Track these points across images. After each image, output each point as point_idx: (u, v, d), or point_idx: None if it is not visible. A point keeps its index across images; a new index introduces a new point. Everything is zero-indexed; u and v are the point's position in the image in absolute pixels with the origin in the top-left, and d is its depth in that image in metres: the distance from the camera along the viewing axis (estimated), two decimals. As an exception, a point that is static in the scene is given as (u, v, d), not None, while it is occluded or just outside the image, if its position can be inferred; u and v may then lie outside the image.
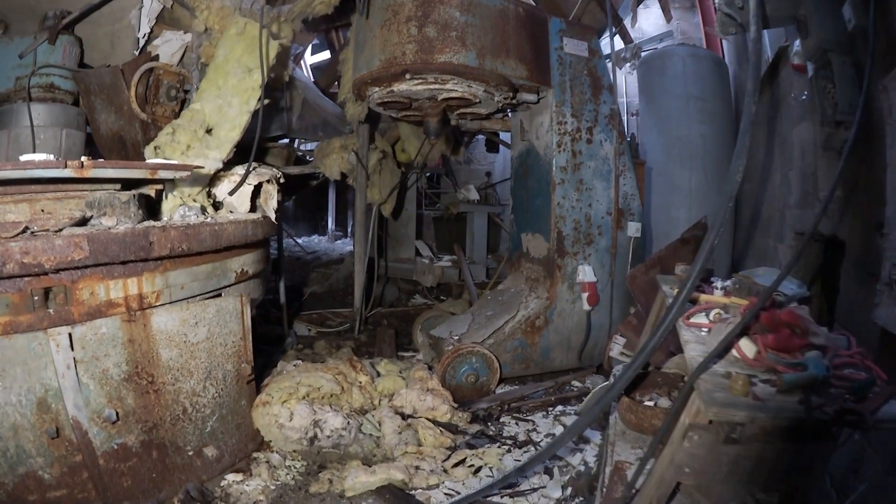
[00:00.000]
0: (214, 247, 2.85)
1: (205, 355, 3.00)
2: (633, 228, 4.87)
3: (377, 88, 3.89)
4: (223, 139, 3.59)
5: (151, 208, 3.20)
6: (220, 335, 3.05)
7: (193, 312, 2.88)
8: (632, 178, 4.92)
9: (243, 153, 3.79)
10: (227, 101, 3.81)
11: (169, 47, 4.78)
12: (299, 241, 13.85)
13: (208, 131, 3.71)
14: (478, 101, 4.00)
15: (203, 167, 3.23)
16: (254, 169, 3.62)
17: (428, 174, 9.09)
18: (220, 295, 3.13)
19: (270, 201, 3.51)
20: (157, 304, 2.78)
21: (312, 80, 7.15)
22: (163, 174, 2.74)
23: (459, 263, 7.21)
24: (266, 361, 4.96)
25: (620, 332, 4.51)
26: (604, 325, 4.81)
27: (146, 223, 2.70)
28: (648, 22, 11.19)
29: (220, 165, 3.44)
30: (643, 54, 8.67)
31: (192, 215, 2.99)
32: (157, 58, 4.48)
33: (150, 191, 3.01)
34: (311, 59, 11.69)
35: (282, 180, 3.83)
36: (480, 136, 8.90)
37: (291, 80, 5.31)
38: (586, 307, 4.66)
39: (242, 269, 3.27)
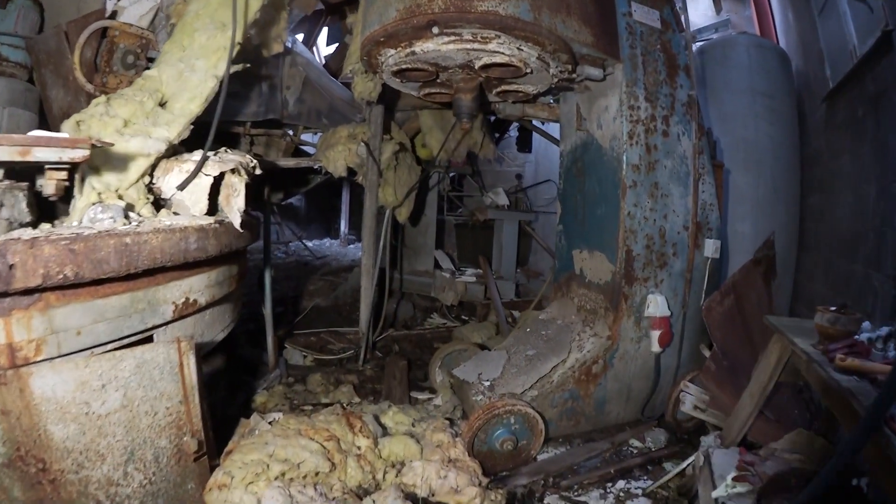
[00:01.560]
0: (127, 269, 1.84)
1: (121, 431, 2.00)
2: (711, 247, 3.81)
3: (393, 51, 2.85)
4: (178, 113, 2.61)
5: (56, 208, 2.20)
6: (146, 400, 2.04)
7: (98, 370, 1.87)
8: (711, 183, 3.87)
9: (222, 140, 2.80)
10: (191, 65, 2.82)
11: (138, 8, 3.82)
12: (309, 244, 12.90)
13: (162, 104, 2.72)
14: (528, 71, 2.95)
15: (113, 144, 2.22)
16: (216, 154, 2.62)
17: (451, 174, 8.04)
18: (149, 339, 2.12)
19: (234, 199, 2.50)
20: (39, 358, 1.78)
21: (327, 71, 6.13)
22: (41, 154, 1.74)
23: (485, 279, 6.16)
24: (247, 399, 3.98)
25: (695, 381, 3.47)
26: (671, 366, 3.76)
27: (6, 235, 1.69)
28: (697, 13, 10.22)
29: (163, 147, 2.44)
30: (698, 44, 7.58)
31: (107, 218, 1.98)
32: (113, 15, 3.51)
33: (52, 182, 2.00)
34: (326, 49, 10.73)
35: (256, 171, 2.81)
36: (511, 133, 7.84)
37: (290, 53, 4.31)
38: (656, 348, 3.63)
39: (186, 300, 2.26)
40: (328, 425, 2.91)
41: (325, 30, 7.72)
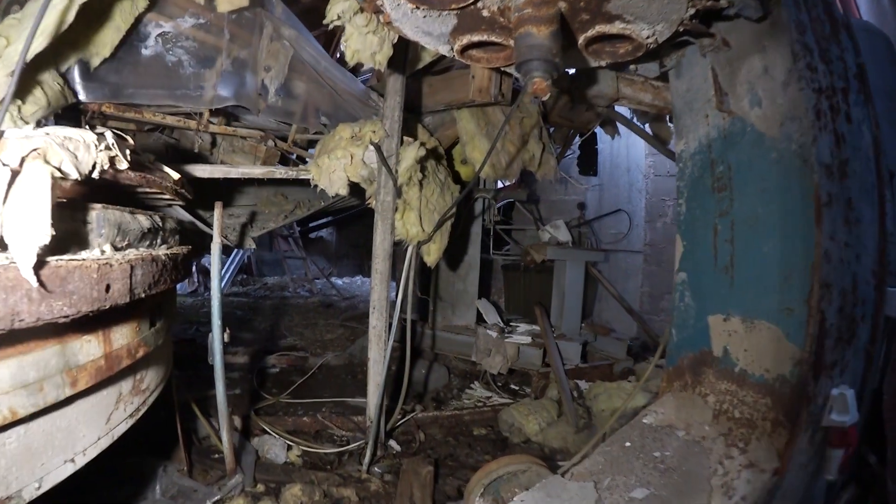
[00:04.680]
0: None
1: None
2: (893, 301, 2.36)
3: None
4: None
5: None
6: None
7: None
8: (893, 201, 2.46)
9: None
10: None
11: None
12: (338, 282, 11.61)
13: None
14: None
15: None
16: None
17: (499, 205, 6.57)
18: None
19: (24, 209, 1.11)
20: None
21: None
22: None
23: (544, 339, 4.62)
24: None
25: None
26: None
27: None
28: None
29: None
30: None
31: None
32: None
33: None
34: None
35: (118, 166, 1.43)
36: (572, 150, 6.33)
37: (269, 18, 2.98)
38: (832, 475, 2.17)
39: None
40: None
41: None
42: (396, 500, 2.87)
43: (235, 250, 10.29)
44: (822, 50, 2.20)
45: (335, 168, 2.96)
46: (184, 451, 2.78)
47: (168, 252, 1.82)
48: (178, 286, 7.96)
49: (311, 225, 12.14)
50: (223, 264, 10.22)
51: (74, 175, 1.39)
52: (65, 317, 1.33)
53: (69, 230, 1.46)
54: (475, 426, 4.08)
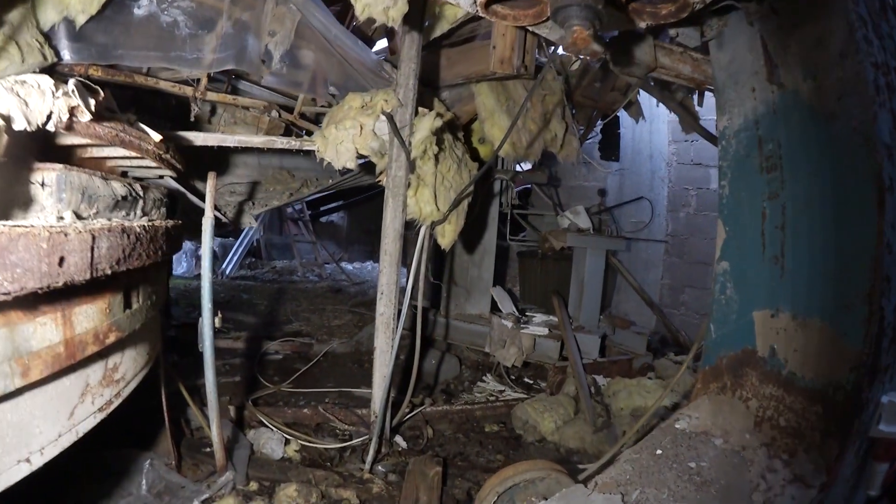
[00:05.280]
0: None
1: None
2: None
3: None
4: None
5: None
6: None
7: None
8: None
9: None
10: None
11: None
12: (349, 267, 11.41)
13: None
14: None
15: None
16: None
17: (517, 188, 6.29)
18: None
19: None
20: None
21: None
22: None
23: (562, 331, 4.37)
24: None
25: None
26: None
27: None
28: None
29: None
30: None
31: None
32: None
33: None
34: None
35: (56, 116, 1.21)
36: (595, 133, 6.03)
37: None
38: (875, 491, 2.03)
39: None
40: None
41: None
42: (400, 502, 2.66)
43: (243, 233, 10.14)
44: (875, 24, 1.93)
45: (343, 139, 2.72)
46: (171, 444, 2.58)
47: (146, 224, 1.59)
48: (187, 269, 7.75)
49: (321, 209, 11.92)
50: (229, 247, 10.07)
51: (23, 125, 1.16)
52: (5, 294, 1.11)
53: (17, 193, 1.24)
54: (487, 422, 3.86)
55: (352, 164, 2.97)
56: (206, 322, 2.24)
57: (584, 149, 5.96)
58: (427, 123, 2.71)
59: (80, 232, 1.25)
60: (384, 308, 2.93)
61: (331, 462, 3.08)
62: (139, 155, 1.66)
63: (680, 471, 2.06)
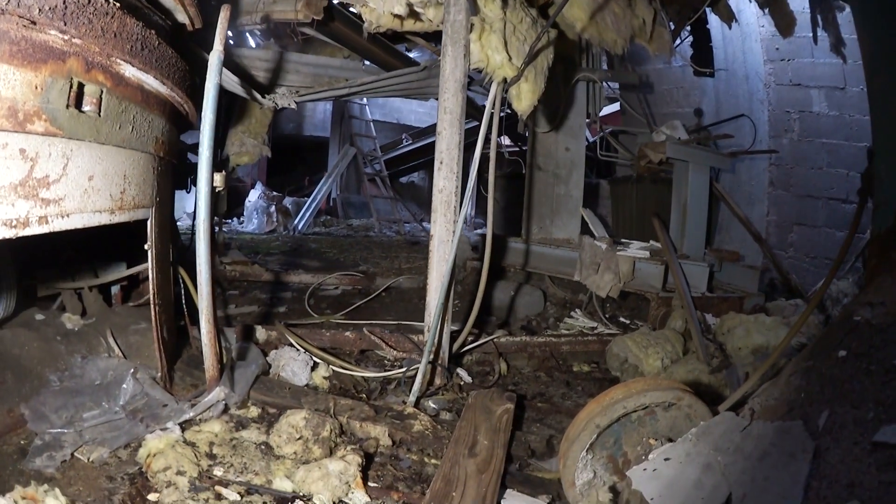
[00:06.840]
0: None
1: None
2: None
3: None
4: None
5: None
6: None
7: None
8: None
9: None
10: None
11: None
12: (429, 226, 10.80)
13: None
14: None
15: None
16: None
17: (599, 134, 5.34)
18: None
19: None
20: None
21: None
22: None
23: (666, 255, 3.48)
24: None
25: None
26: None
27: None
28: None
29: None
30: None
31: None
32: None
33: None
34: None
35: None
36: (684, 36, 5.02)
37: None
38: None
39: None
40: None
41: None
42: (448, 448, 1.89)
43: (316, 189, 9.83)
44: None
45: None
46: (158, 352, 1.98)
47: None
48: (257, 225, 7.40)
49: (401, 167, 11.41)
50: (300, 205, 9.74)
51: None
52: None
53: None
54: (575, 360, 3.08)
55: (400, 8, 2.29)
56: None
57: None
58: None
59: None
60: (444, 182, 2.22)
61: (367, 395, 2.41)
62: None
63: (881, 373, 1.21)
